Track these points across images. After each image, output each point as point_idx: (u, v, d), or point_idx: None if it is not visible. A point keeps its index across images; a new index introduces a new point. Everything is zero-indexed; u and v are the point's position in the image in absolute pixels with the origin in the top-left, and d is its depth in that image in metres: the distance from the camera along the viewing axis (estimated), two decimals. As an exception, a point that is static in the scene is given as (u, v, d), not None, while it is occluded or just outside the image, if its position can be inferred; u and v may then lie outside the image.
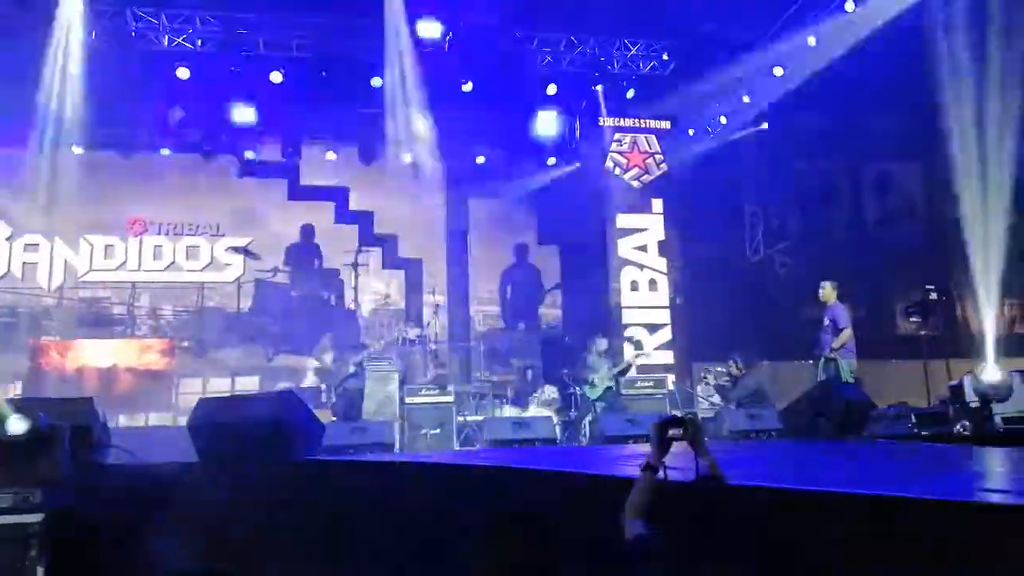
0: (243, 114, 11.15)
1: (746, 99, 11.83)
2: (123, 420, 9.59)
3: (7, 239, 11.59)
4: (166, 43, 10.52)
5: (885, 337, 11.57)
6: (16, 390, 10.52)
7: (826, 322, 8.43)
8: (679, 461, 2.66)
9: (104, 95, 10.81)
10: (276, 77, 10.71)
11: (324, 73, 10.88)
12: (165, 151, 11.88)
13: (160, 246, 12.03)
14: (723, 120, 12.30)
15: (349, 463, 4.95)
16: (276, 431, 4.39)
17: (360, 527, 3.76)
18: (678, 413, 8.50)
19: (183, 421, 7.95)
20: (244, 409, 4.55)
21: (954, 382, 7.29)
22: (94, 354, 11.12)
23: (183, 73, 10.52)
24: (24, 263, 11.66)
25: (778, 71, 11.05)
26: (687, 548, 2.47)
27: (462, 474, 3.97)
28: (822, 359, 8.38)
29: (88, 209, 11.75)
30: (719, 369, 9.80)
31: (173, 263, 12.05)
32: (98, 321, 11.66)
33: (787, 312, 11.59)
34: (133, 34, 10.37)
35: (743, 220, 13.04)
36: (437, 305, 12.35)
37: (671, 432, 2.62)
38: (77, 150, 11.54)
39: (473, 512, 3.42)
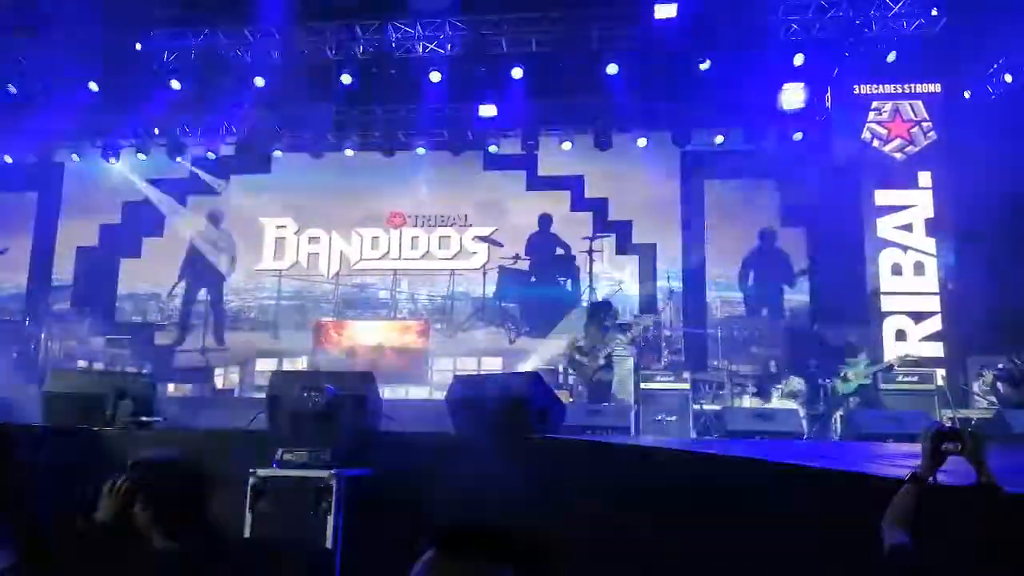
0: (487, 111, 11.86)
1: (1040, 50, 10.10)
2: (387, 393, 10.72)
3: (295, 233, 13.43)
4: (421, 50, 11.47)
5: None
6: (302, 363, 12.27)
7: None
8: (949, 462, 2.41)
9: (369, 101, 12.15)
10: (517, 73, 11.20)
11: (560, 64, 11.19)
12: (420, 150, 13.00)
13: (417, 237, 13.18)
14: (1008, 78, 10.61)
15: (595, 443, 5.11)
16: (523, 409, 4.67)
17: (603, 504, 3.88)
18: (952, 419, 7.59)
19: (437, 396, 8.75)
20: (495, 387, 4.89)
21: None
22: (363, 333, 12.60)
23: (435, 77, 11.41)
24: (308, 253, 13.38)
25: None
26: (950, 562, 2.24)
27: (703, 462, 3.93)
28: None
29: (358, 205, 13.29)
30: (1000, 366, 8.54)
31: (427, 252, 13.15)
32: (366, 304, 13.18)
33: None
34: (393, 44, 11.45)
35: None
36: (672, 291, 12.17)
37: (945, 446, 2.38)
38: (349, 152, 13.11)
39: (713, 502, 3.38)
